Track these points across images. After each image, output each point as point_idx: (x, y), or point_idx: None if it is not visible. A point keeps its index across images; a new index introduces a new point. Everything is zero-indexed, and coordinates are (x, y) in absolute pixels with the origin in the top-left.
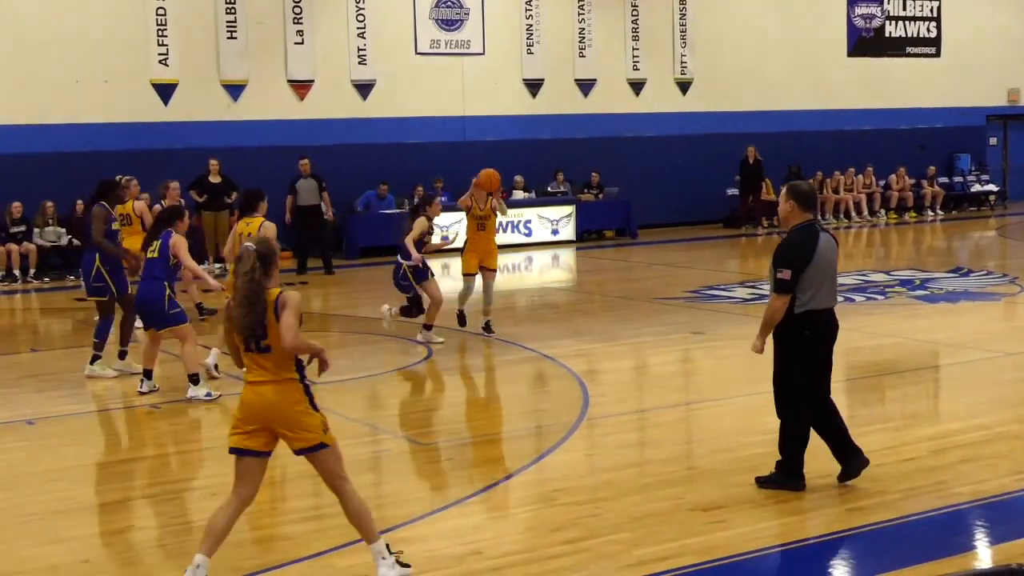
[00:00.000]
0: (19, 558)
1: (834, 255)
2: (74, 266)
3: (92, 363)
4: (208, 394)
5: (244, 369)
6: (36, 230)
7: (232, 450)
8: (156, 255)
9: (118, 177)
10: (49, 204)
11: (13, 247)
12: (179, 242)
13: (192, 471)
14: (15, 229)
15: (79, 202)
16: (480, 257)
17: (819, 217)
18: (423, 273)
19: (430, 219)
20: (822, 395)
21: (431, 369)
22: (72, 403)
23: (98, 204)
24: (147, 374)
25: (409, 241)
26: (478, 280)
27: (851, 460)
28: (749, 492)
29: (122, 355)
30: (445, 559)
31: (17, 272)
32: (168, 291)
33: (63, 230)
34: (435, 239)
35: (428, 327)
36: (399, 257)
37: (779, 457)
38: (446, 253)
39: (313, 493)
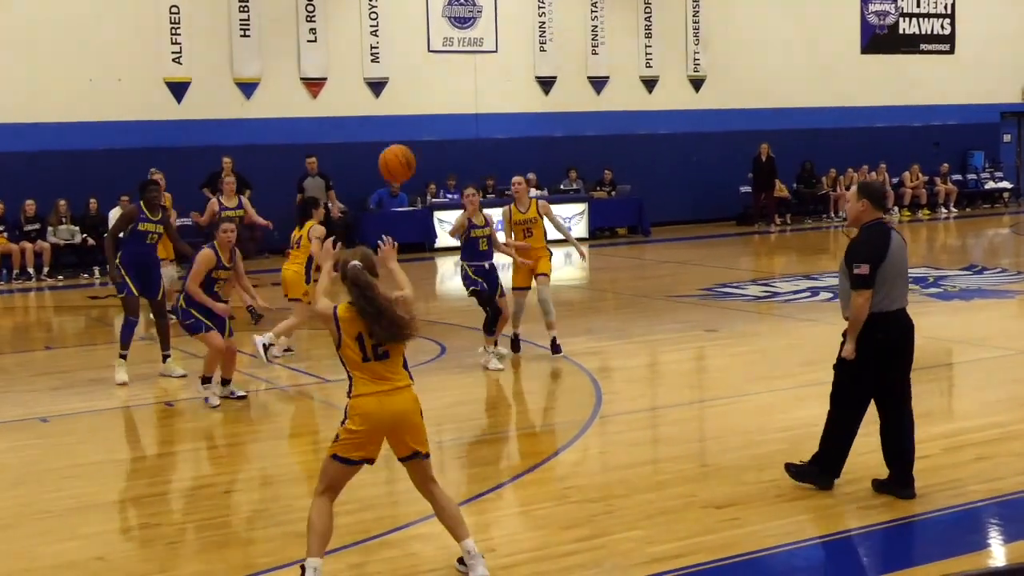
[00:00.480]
0: (34, 555)
1: (905, 253)
2: (87, 264)
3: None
4: (210, 401)
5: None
6: (50, 228)
7: (346, 460)
8: None
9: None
10: (63, 203)
11: (27, 245)
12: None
13: (207, 468)
14: (29, 227)
15: (92, 200)
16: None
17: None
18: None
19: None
20: (904, 399)
21: (445, 366)
22: (86, 400)
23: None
24: (207, 380)
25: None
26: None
27: (901, 482)
28: (763, 489)
29: (164, 358)
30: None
31: (31, 270)
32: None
33: (76, 228)
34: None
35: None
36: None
37: (815, 451)
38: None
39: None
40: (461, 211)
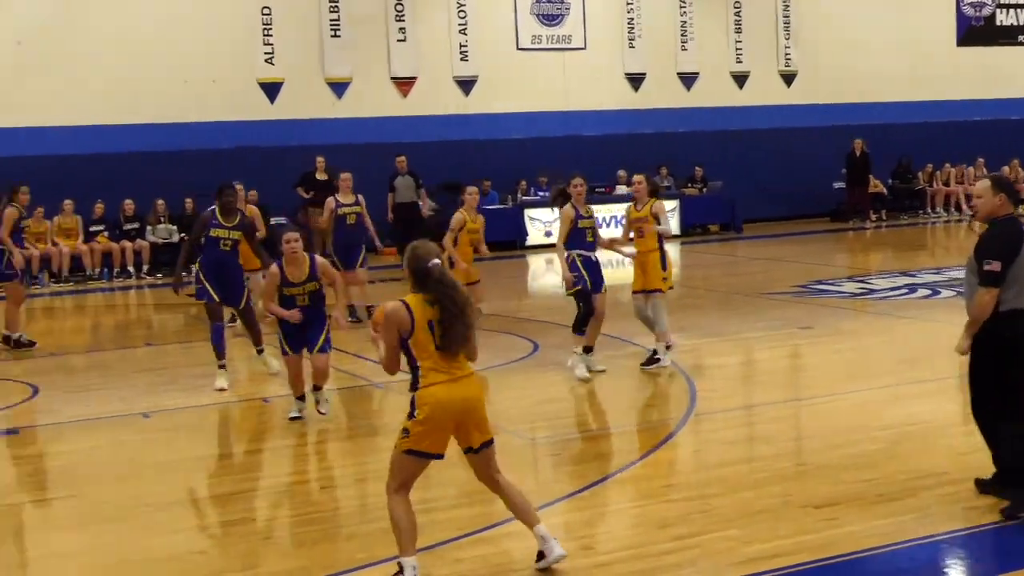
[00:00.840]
0: (139, 547)
1: None
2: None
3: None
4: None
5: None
6: (148, 227)
7: (420, 454)
8: None
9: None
10: (160, 202)
11: (127, 244)
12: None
13: (303, 464)
14: (128, 226)
15: (188, 200)
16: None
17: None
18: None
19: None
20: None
21: (538, 364)
22: (186, 396)
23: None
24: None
25: (559, 243)
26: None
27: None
28: (862, 489)
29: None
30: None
31: (131, 268)
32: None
33: (174, 227)
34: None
35: (588, 349)
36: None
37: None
38: None
39: (420, 487)
40: (565, 207)
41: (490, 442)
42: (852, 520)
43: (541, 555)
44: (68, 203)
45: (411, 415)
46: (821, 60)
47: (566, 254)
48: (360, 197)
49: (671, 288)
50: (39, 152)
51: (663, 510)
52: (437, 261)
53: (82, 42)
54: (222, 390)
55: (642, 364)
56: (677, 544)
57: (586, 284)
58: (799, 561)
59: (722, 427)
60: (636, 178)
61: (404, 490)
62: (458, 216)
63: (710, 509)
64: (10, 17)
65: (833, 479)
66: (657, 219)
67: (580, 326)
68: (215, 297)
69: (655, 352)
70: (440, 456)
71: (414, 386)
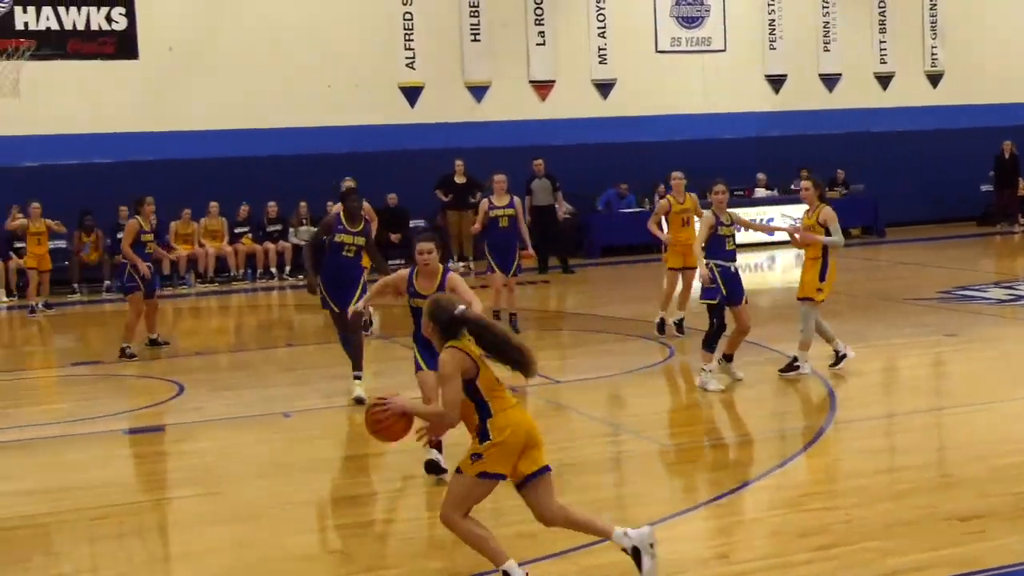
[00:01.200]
0: (279, 545)
1: None
2: None
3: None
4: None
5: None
6: (291, 230)
7: (494, 476)
8: None
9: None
10: (303, 204)
11: (270, 246)
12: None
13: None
14: (272, 228)
15: (330, 203)
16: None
17: None
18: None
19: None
20: None
21: (672, 369)
22: (325, 397)
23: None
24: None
25: (696, 248)
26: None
27: None
28: (1010, 502)
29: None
30: (690, 562)
31: (274, 270)
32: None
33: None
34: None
35: (728, 357)
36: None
37: None
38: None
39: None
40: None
41: (548, 468)
42: (999, 534)
43: (636, 553)
44: (214, 205)
45: (484, 439)
46: (970, 60)
47: (704, 263)
48: (515, 199)
49: (823, 301)
50: (187, 156)
51: (802, 519)
52: (463, 307)
53: (229, 49)
54: (360, 401)
55: (780, 370)
56: (816, 555)
57: (722, 296)
58: (944, 574)
59: (863, 436)
60: (804, 183)
61: (465, 514)
62: (662, 202)
63: (850, 520)
64: (162, 26)
65: (979, 491)
66: (826, 228)
67: (711, 342)
68: (335, 308)
69: (795, 359)
70: (506, 476)
71: (485, 418)
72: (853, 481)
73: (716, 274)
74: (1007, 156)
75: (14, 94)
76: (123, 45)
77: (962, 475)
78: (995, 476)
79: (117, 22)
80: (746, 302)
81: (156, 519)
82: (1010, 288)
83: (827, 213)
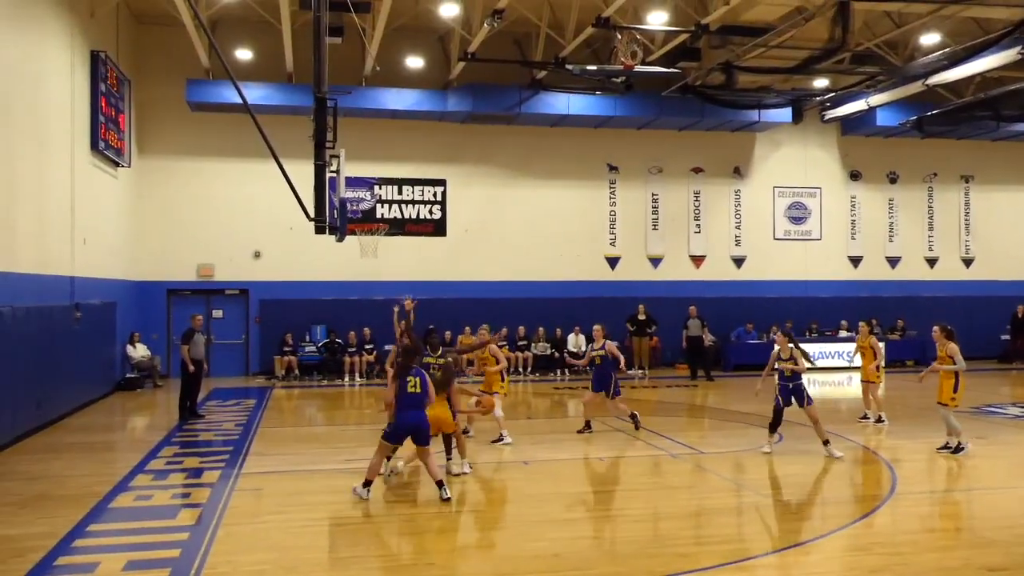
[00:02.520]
0: (519, 548)
1: None
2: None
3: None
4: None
5: None
6: (533, 344)
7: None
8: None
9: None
10: (541, 330)
11: (518, 354)
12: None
13: (621, 503)
14: (521, 342)
15: (558, 329)
16: None
17: None
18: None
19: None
20: None
21: (783, 449)
22: (558, 452)
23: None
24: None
25: (766, 370)
26: None
27: None
28: None
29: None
30: None
31: (520, 369)
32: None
33: (548, 344)
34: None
35: (826, 443)
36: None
37: None
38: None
39: (700, 524)
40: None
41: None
42: None
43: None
44: (484, 327)
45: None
46: (991, 248)
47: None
48: (607, 343)
49: (956, 407)
50: (472, 295)
51: (871, 560)
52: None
53: (500, 230)
54: (460, 475)
55: (952, 451)
56: None
57: (779, 403)
58: None
59: (916, 504)
60: (935, 328)
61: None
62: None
63: (907, 563)
64: (460, 217)
65: (1005, 550)
66: (953, 359)
67: (772, 429)
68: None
69: (960, 443)
70: None
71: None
72: (908, 536)
73: (776, 389)
74: (1020, 316)
75: (374, 256)
76: (438, 227)
77: (992, 537)
78: (1018, 539)
79: (435, 215)
80: (808, 404)
81: (437, 526)
82: None
83: (952, 348)
